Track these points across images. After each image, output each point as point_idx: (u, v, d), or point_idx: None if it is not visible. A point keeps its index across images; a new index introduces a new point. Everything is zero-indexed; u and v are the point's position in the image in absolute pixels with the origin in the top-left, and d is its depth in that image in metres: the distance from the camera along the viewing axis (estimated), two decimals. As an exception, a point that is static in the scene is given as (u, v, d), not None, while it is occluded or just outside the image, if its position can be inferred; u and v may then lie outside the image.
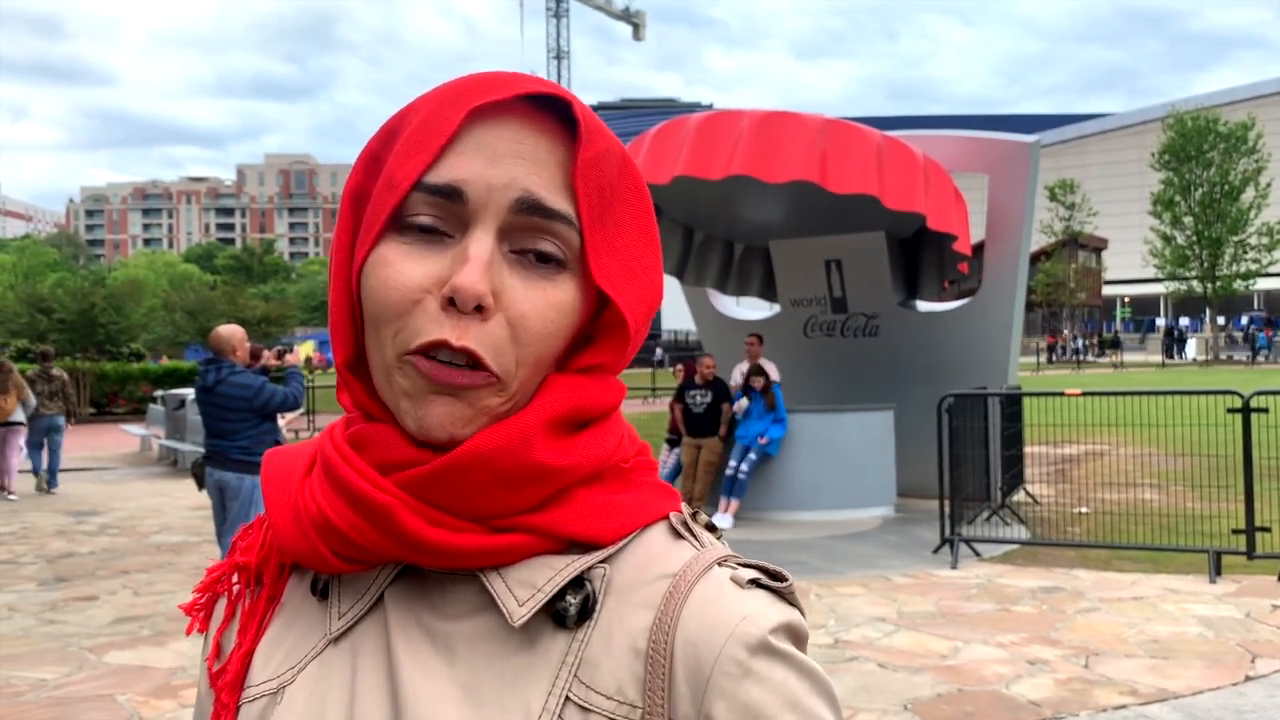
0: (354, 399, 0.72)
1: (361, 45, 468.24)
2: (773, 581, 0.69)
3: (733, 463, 9.77)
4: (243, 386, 6.58)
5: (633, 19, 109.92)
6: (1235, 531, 7.59)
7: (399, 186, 0.67)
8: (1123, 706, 4.88)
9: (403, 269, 0.66)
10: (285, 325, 35.14)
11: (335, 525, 0.68)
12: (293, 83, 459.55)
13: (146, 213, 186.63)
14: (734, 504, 9.72)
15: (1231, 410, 7.77)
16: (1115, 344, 51.20)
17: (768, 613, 0.66)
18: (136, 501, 12.62)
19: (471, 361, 0.65)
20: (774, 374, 10.42)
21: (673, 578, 0.68)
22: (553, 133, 0.68)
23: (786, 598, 0.69)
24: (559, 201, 0.67)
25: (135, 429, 20.20)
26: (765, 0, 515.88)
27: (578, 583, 0.68)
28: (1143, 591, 7.08)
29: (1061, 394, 9.23)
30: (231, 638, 0.78)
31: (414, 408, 0.67)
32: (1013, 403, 10.15)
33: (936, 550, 8.27)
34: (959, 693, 5.09)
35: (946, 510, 8.25)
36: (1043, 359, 46.47)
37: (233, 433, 6.55)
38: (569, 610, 0.67)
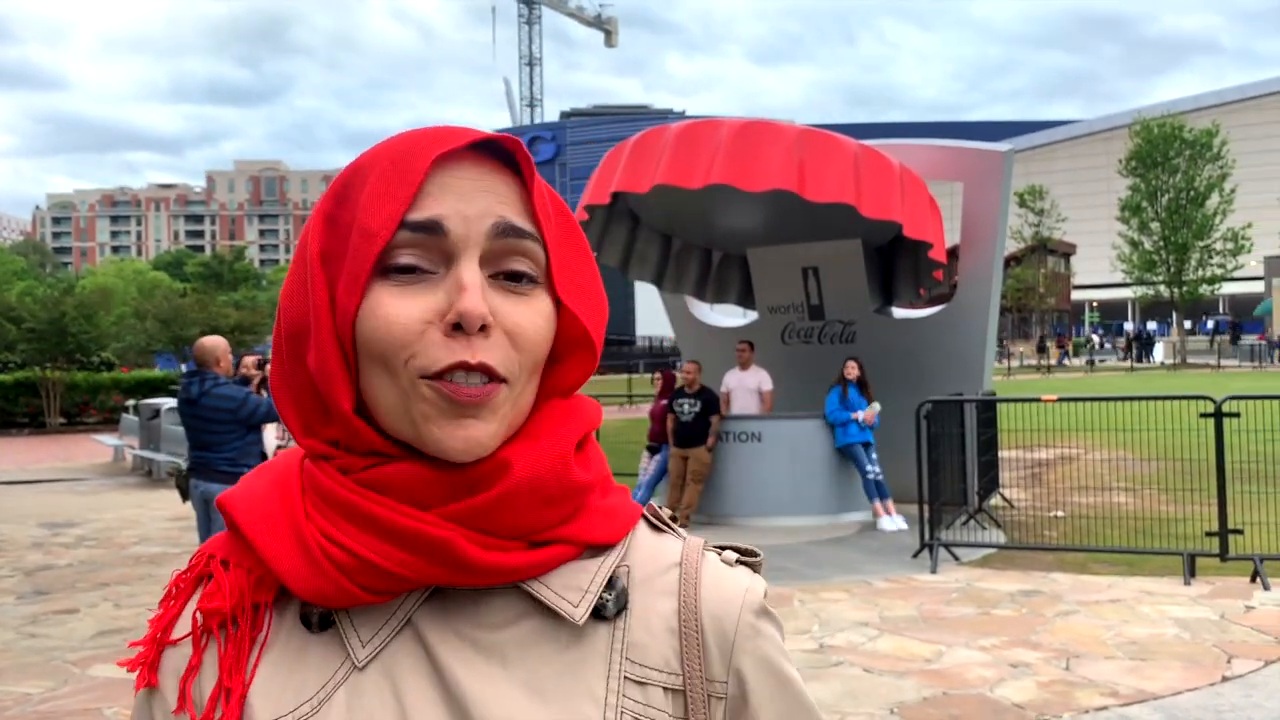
0: (364, 443, 0.75)
1: (317, 49, 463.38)
2: (748, 558, 0.85)
3: (862, 467, 9.79)
4: (227, 398, 6.57)
5: (604, 26, 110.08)
6: (1209, 534, 7.72)
7: (379, 234, 0.72)
8: (1104, 708, 4.97)
9: (400, 306, 0.72)
10: (258, 333, 34.83)
11: (377, 565, 0.72)
12: (248, 87, 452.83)
13: (115, 220, 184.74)
14: (889, 503, 9.76)
15: (1204, 415, 7.91)
16: (1040, 348, 51.65)
17: (755, 584, 0.83)
18: (113, 513, 12.51)
19: (485, 375, 0.73)
20: (767, 383, 10.49)
21: (678, 566, 0.81)
22: (502, 172, 0.76)
23: (756, 568, 0.85)
24: (527, 224, 0.76)
25: (108, 439, 20.01)
26: (722, 4, 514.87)
27: (608, 580, 0.79)
28: (1119, 594, 7.19)
29: (1038, 400, 9.36)
30: (205, 687, 0.76)
31: (440, 431, 0.72)
32: (987, 408, 10.27)
33: (916, 555, 8.36)
34: (944, 696, 5.17)
35: (925, 515, 8.35)
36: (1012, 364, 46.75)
37: (218, 444, 6.53)
38: (607, 604, 0.77)
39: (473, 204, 0.74)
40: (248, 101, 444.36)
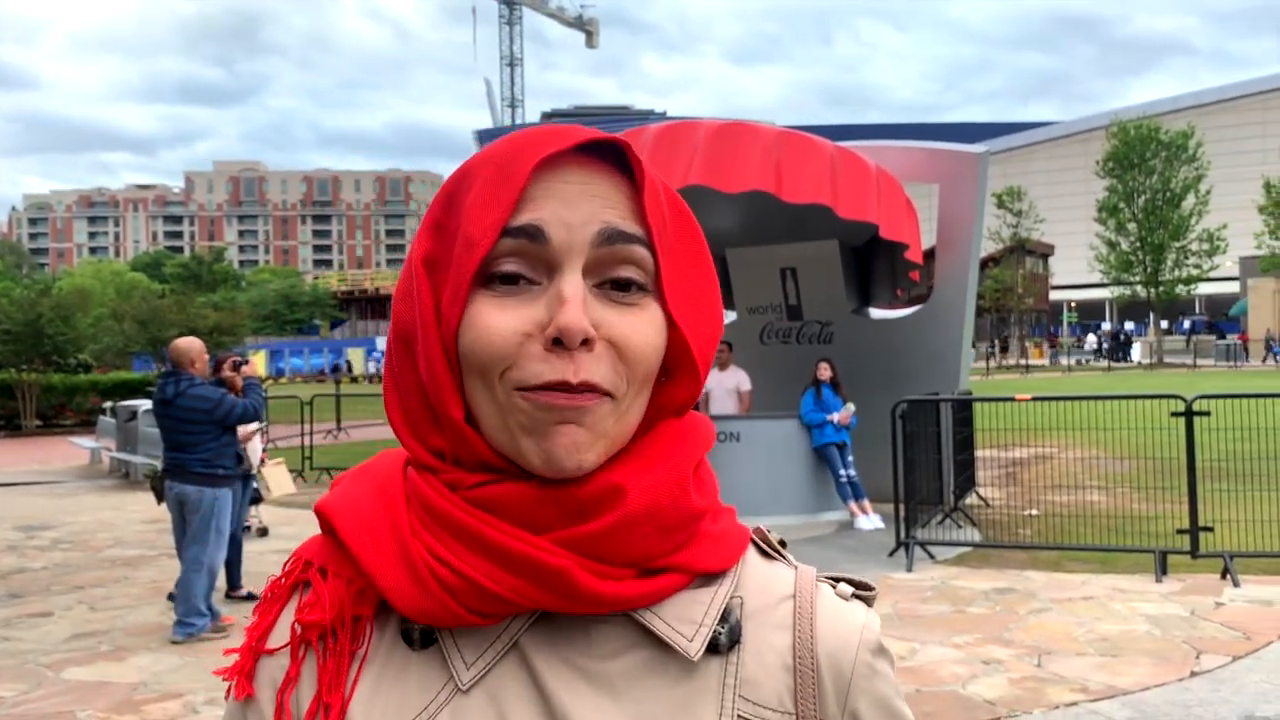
0: (474, 454, 0.73)
1: (291, 48, 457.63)
2: (863, 591, 0.82)
3: (835, 469, 9.82)
4: (202, 399, 6.55)
5: (586, 26, 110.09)
6: (1179, 531, 7.80)
7: (480, 242, 0.70)
8: (1074, 704, 5.03)
9: (500, 318, 0.70)
10: (237, 334, 34.65)
11: (486, 588, 0.70)
12: (222, 87, 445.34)
13: (92, 220, 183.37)
14: (865, 503, 9.80)
15: (1175, 414, 7.99)
16: (1004, 347, 52.28)
17: (871, 620, 0.80)
18: (89, 515, 12.44)
19: (589, 392, 0.70)
20: (745, 383, 10.53)
21: (792, 599, 0.79)
22: (612, 173, 0.73)
23: (870, 603, 0.82)
24: (635, 229, 0.73)
25: (85, 441, 19.87)
26: (698, 4, 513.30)
27: (721, 612, 0.76)
28: (1092, 591, 7.26)
29: (1012, 399, 9.44)
30: (303, 700, 0.75)
31: (537, 442, 0.70)
32: (963, 407, 10.35)
33: (892, 553, 8.41)
34: (917, 693, 5.21)
35: (901, 514, 8.40)
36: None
37: (193, 445, 6.51)
38: (721, 638, 0.75)
39: (576, 210, 0.71)
40: (221, 101, 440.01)
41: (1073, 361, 50.20)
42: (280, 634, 0.77)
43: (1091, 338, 54.35)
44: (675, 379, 0.77)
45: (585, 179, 0.72)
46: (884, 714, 0.78)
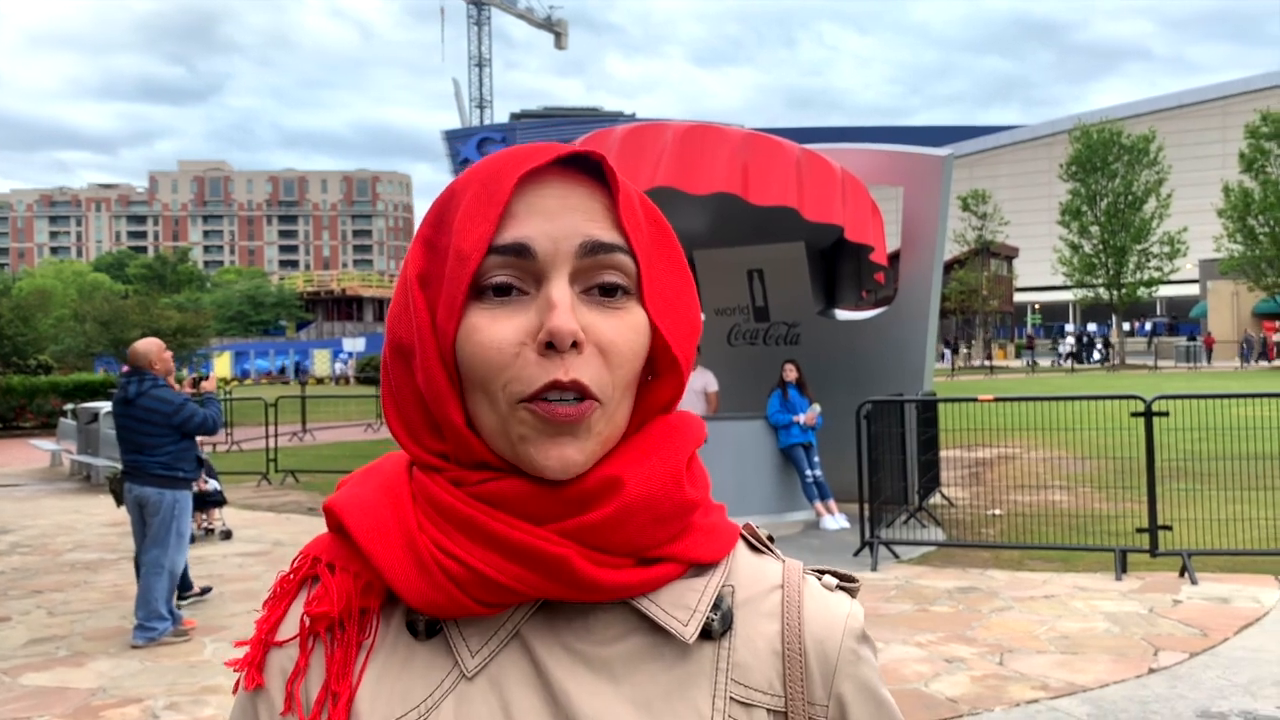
0: (475, 456, 0.77)
1: (251, 47, 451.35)
2: (847, 583, 0.87)
3: (801, 470, 9.84)
4: (164, 401, 6.47)
5: (555, 28, 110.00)
6: (1139, 530, 7.90)
7: (470, 256, 0.74)
8: (1034, 701, 5.08)
9: (495, 330, 0.74)
10: (201, 336, 34.28)
11: (491, 578, 0.74)
12: (181, 85, 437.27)
13: (54, 220, 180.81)
14: (831, 503, 9.83)
15: (1135, 414, 8.10)
16: (954, 349, 53.31)
17: (855, 610, 0.85)
18: (48, 519, 12.26)
19: (579, 395, 0.73)
20: (713, 384, 10.55)
21: (781, 589, 0.83)
22: (588, 184, 0.77)
23: (854, 594, 0.87)
24: (615, 238, 0.77)
25: (45, 444, 19.60)
26: (661, 5, 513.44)
27: (714, 600, 0.80)
28: (1054, 590, 7.34)
29: (975, 400, 9.52)
30: (312, 689, 0.78)
31: (535, 451, 0.74)
32: (928, 408, 10.43)
33: (857, 553, 8.46)
34: (880, 692, 5.24)
35: (866, 514, 8.46)
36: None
37: (153, 447, 6.43)
38: (714, 624, 0.79)
39: (559, 224, 0.75)
40: (182, 100, 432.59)
41: (1038, 363, 50.78)
42: (289, 626, 0.80)
43: (1070, 340, 55.28)
44: (659, 378, 0.81)
45: (564, 193, 0.76)
46: (867, 698, 0.82)
